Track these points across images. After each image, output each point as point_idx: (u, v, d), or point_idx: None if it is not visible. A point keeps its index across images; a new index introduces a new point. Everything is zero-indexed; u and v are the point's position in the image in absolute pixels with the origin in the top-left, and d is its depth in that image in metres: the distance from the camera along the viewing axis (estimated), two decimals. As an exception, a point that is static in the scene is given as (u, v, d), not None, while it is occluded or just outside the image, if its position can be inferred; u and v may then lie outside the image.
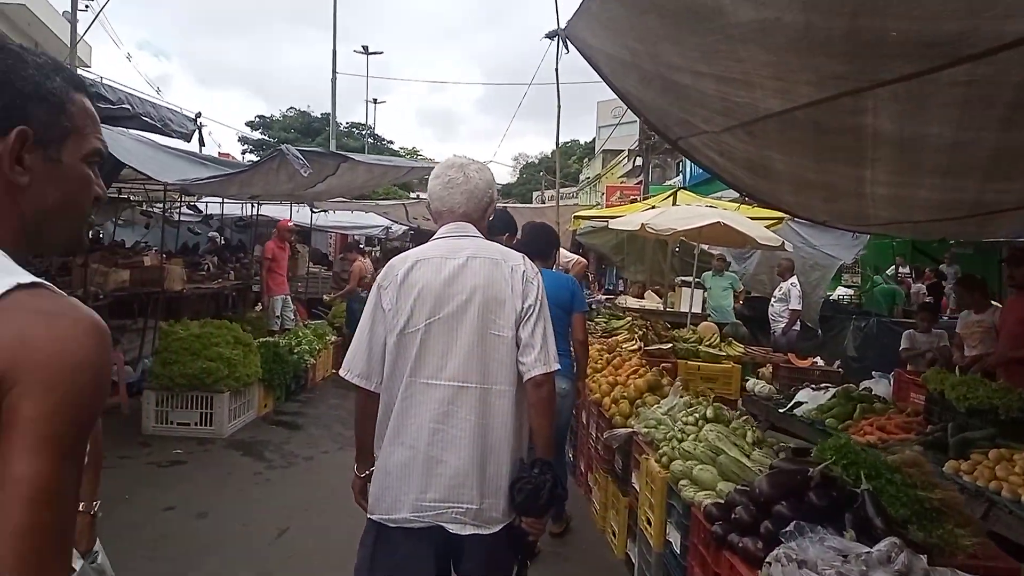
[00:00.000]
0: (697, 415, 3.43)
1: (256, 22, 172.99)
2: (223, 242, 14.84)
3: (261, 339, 8.04)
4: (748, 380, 6.27)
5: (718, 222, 7.61)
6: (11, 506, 0.82)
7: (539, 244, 4.24)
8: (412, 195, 32.50)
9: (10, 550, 0.81)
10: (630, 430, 3.86)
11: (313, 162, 5.39)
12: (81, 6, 23.78)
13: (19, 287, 0.90)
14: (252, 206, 14.94)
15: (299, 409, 8.10)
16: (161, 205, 12.08)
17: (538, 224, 4.65)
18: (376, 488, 2.34)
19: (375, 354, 2.32)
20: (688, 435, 3.29)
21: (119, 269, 8.26)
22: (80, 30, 19.95)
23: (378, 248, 19.98)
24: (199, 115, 5.02)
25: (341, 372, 2.38)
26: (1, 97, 1.00)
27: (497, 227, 3.81)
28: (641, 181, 32.46)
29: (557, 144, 7.47)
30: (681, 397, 3.91)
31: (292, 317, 10.46)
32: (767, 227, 8.99)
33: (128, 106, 3.93)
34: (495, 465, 2.29)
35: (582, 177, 47.42)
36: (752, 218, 8.68)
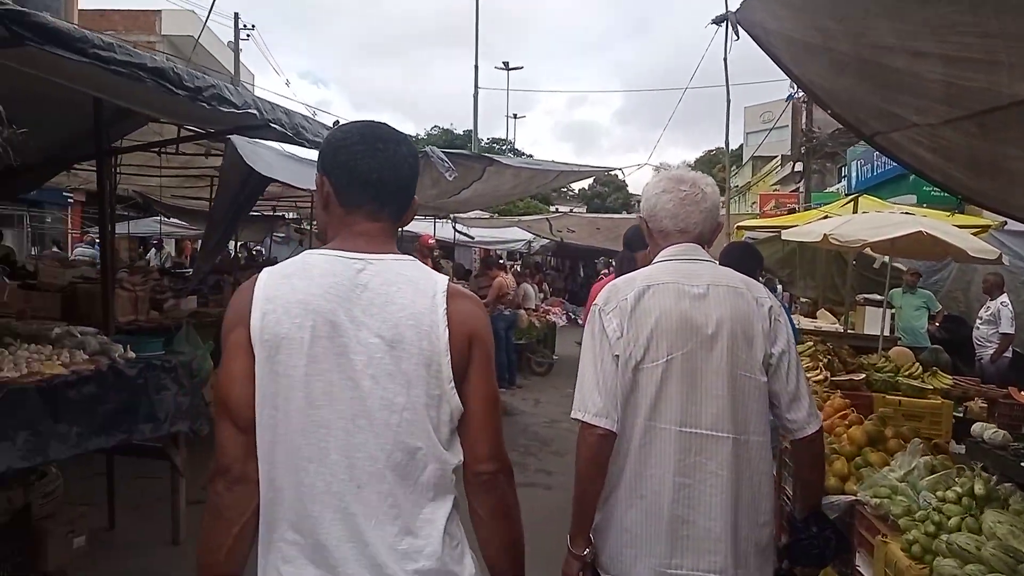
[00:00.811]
0: (960, 490, 2.61)
1: (408, 48, 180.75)
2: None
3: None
4: (974, 424, 5.21)
5: (919, 231, 6.53)
6: (491, 411, 1.55)
7: (747, 268, 3.62)
8: (552, 208, 32.17)
9: (496, 433, 1.55)
10: (851, 498, 3.07)
11: (459, 165, 4.96)
12: (243, 35, 25.19)
13: (450, 287, 1.54)
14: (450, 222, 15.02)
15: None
16: (310, 222, 12.17)
17: (741, 244, 4.03)
18: (611, 547, 2.05)
19: (609, 387, 1.99)
20: (949, 517, 2.48)
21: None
22: (244, 59, 21.07)
23: (519, 262, 19.66)
24: (337, 124, 4.69)
25: (574, 414, 2.01)
26: (414, 182, 1.63)
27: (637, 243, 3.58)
28: (797, 188, 30.52)
29: (727, 144, 6.68)
30: (921, 456, 3.07)
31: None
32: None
33: (255, 111, 3.56)
34: (749, 527, 2.02)
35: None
36: (958, 226, 7.48)
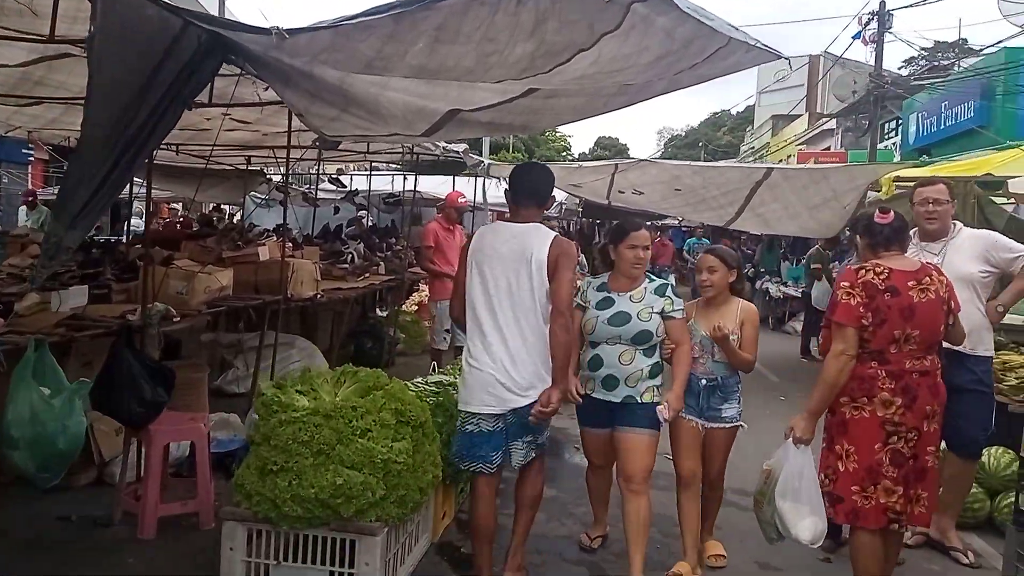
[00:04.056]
0: None
1: None
2: (371, 224, 11.79)
3: (431, 392, 4.72)
4: None
5: None
6: (564, 290, 3.22)
7: None
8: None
9: (564, 298, 3.24)
10: None
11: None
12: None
13: (556, 236, 3.32)
14: (404, 179, 11.88)
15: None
16: (293, 178, 9.07)
17: None
18: None
19: None
20: None
21: (217, 270, 5.18)
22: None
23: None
24: None
25: None
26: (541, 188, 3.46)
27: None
28: (828, 148, 27.40)
29: None
30: None
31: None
32: None
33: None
34: None
35: (744, 148, 42.21)
36: None
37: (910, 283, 3.13)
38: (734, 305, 3.76)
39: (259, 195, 12.77)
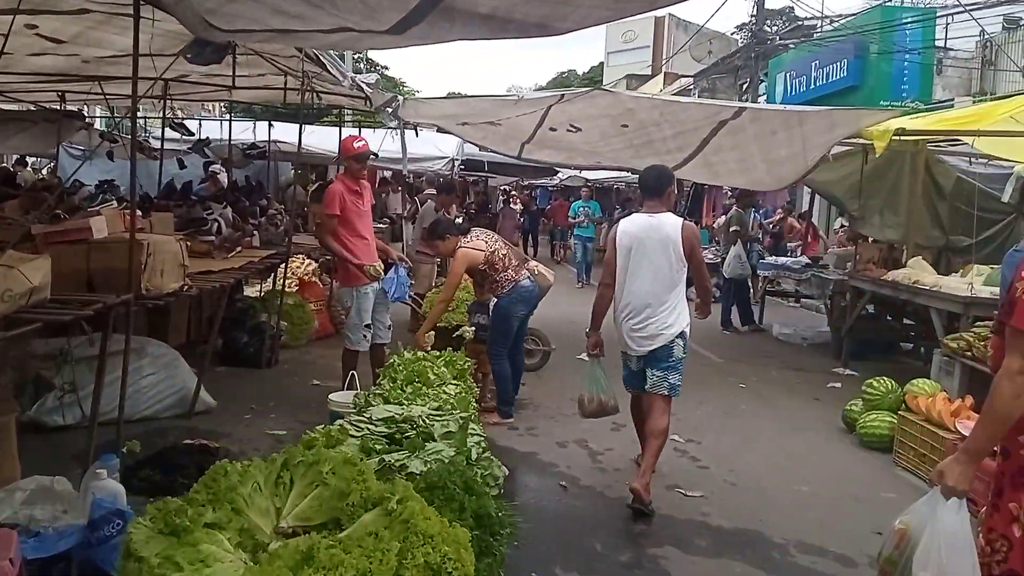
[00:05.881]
0: None
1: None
2: (228, 183, 9.46)
3: (382, 439, 3.08)
4: None
5: None
6: (700, 266, 4.35)
7: None
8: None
9: (704, 275, 4.47)
10: None
11: None
12: None
13: (684, 222, 4.30)
14: (269, 125, 9.66)
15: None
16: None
17: None
18: None
19: None
20: None
21: (24, 259, 3.12)
22: None
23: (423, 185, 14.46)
24: None
25: None
26: (662, 184, 4.39)
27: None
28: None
29: None
30: None
31: (387, 324, 5.39)
32: None
33: None
34: None
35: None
36: None
37: None
38: None
39: (77, 146, 10.05)
